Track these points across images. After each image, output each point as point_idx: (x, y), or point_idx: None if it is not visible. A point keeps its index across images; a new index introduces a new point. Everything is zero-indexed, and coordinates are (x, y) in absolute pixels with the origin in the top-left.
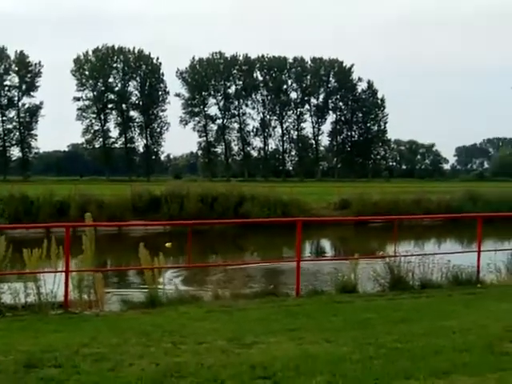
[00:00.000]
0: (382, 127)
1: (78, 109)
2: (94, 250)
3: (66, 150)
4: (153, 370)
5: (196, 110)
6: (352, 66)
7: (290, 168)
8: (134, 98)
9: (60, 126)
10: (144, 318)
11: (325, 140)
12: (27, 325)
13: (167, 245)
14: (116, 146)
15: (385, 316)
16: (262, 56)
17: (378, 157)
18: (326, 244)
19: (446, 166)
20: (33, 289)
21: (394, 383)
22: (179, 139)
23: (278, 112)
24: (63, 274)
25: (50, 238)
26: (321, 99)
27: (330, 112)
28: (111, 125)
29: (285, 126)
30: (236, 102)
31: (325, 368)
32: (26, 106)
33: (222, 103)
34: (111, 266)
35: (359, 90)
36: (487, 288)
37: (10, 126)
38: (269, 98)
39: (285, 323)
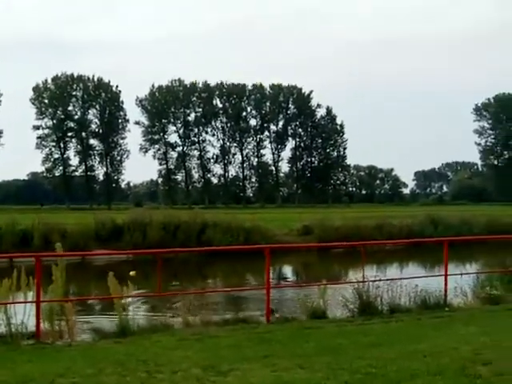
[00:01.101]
0: (342, 153)
1: (38, 137)
2: (64, 279)
3: (26, 178)
4: None
5: (156, 137)
6: (311, 92)
7: (251, 194)
8: (93, 126)
9: (19, 154)
10: (117, 347)
11: (285, 166)
12: (1, 355)
13: (131, 273)
14: (76, 174)
15: (356, 341)
16: (221, 83)
17: (338, 182)
18: (290, 270)
19: (406, 191)
20: (3, 319)
21: None
22: (139, 167)
23: (237, 139)
24: (33, 304)
25: (14, 268)
26: (280, 126)
27: (290, 138)
28: (71, 153)
29: (245, 153)
30: (196, 129)
31: None
32: None
33: (181, 130)
34: (78, 295)
35: (318, 116)
36: (455, 311)
37: None
38: (228, 124)
39: (257, 350)
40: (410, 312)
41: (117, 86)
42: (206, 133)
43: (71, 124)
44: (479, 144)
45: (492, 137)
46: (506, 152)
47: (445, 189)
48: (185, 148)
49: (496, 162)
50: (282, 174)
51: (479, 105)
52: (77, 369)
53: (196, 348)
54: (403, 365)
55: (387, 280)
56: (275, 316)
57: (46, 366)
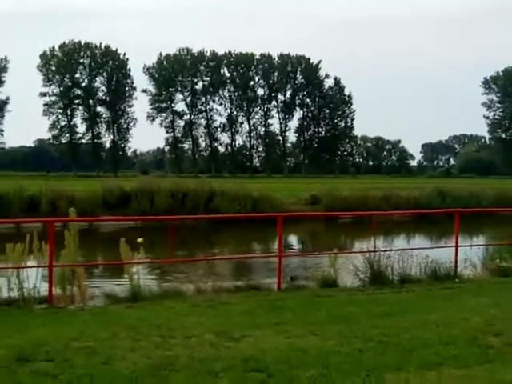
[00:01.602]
0: (349, 124)
1: (45, 104)
2: (77, 244)
3: (32, 145)
4: (145, 363)
5: (163, 105)
6: (319, 62)
7: (257, 164)
8: (100, 94)
9: (26, 121)
10: (129, 312)
11: (292, 136)
12: (14, 319)
13: (139, 240)
14: (83, 141)
15: (367, 310)
16: (229, 52)
17: (345, 153)
18: (297, 238)
19: (413, 163)
20: (16, 284)
21: (385, 375)
22: (146, 135)
23: (245, 108)
24: (45, 268)
25: (23, 234)
26: (288, 95)
27: (297, 108)
28: (78, 120)
29: (252, 122)
30: (203, 98)
31: (315, 361)
32: None
33: (189, 99)
34: (87, 260)
35: (326, 86)
36: (465, 283)
37: None
38: (236, 94)
39: (269, 317)
40: (420, 282)
41: (124, 54)
42: (214, 102)
43: (78, 91)
44: (487, 117)
45: (500, 110)
46: None
47: (452, 162)
48: (192, 117)
49: (504, 136)
50: (289, 144)
51: (488, 78)
52: (90, 332)
53: (208, 314)
54: (415, 334)
55: (398, 250)
56: (295, 283)
57: (60, 330)
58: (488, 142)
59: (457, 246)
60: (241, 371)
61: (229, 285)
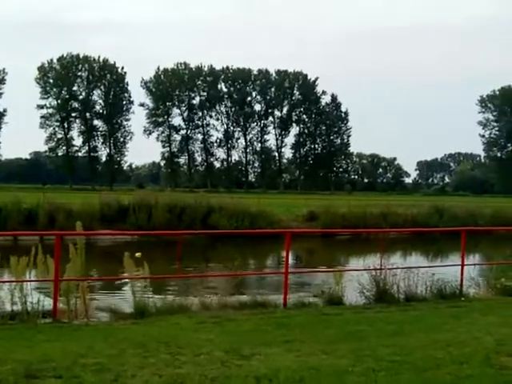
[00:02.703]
0: (345, 140)
1: (42, 117)
2: (84, 259)
3: (28, 157)
4: (157, 381)
5: (160, 119)
6: (316, 79)
7: (253, 179)
8: (98, 107)
9: (23, 133)
10: (135, 328)
11: (288, 152)
12: (19, 334)
13: (137, 255)
14: (79, 154)
15: (377, 329)
16: (227, 67)
17: (341, 170)
18: (296, 255)
19: (408, 180)
20: (19, 297)
21: None
22: (142, 149)
23: (241, 124)
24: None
25: (18, 247)
26: (285, 112)
27: (294, 124)
28: (75, 133)
29: (248, 138)
30: (200, 113)
31: (330, 380)
32: None
33: (186, 114)
34: (89, 274)
35: (323, 103)
36: (471, 301)
37: None
38: (233, 109)
39: (278, 335)
40: (426, 301)
41: (122, 68)
42: (211, 117)
43: (75, 104)
44: (483, 136)
45: (496, 129)
46: (509, 144)
47: (447, 179)
48: (188, 131)
49: (499, 154)
50: (284, 160)
51: (484, 96)
52: (98, 349)
53: (216, 331)
54: (427, 353)
55: (404, 268)
56: (324, 297)
57: (66, 346)
58: (483, 161)
59: (463, 265)
60: None
61: (233, 301)
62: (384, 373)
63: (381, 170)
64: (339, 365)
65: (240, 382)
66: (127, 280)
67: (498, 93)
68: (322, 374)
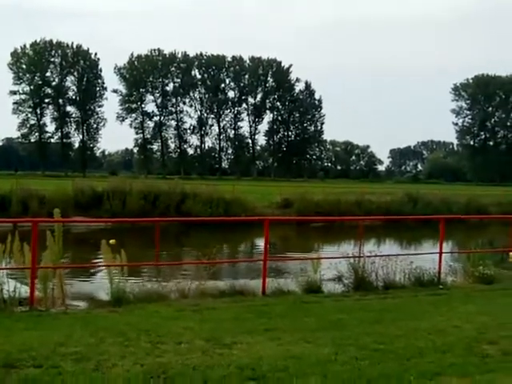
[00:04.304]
0: (319, 128)
1: (14, 103)
2: (61, 246)
3: (0, 143)
4: (138, 370)
5: (133, 106)
6: (290, 66)
7: (226, 166)
8: (71, 93)
9: None
10: (114, 316)
11: (261, 139)
12: None
13: (111, 241)
14: (52, 140)
15: (357, 317)
16: (201, 54)
17: (314, 157)
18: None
19: (381, 168)
20: None
21: None
22: (115, 135)
23: (215, 110)
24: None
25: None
26: (258, 98)
27: (268, 111)
28: (47, 119)
29: (222, 125)
30: (174, 100)
31: (314, 369)
32: None
33: (159, 100)
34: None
35: (297, 90)
36: (449, 289)
37: None
38: (206, 96)
39: (259, 323)
40: (404, 289)
41: (95, 54)
42: (184, 103)
43: (48, 90)
44: (456, 124)
45: (469, 117)
46: (482, 133)
47: (419, 167)
48: (162, 118)
49: (472, 143)
50: (258, 147)
51: (458, 85)
52: (77, 337)
53: (195, 319)
54: (409, 342)
55: (383, 256)
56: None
57: (45, 334)
58: (456, 149)
59: (441, 253)
60: (238, 380)
61: (212, 288)
62: (367, 361)
63: (354, 157)
64: (322, 353)
65: (223, 371)
66: (103, 267)
67: (471, 81)
68: (305, 363)
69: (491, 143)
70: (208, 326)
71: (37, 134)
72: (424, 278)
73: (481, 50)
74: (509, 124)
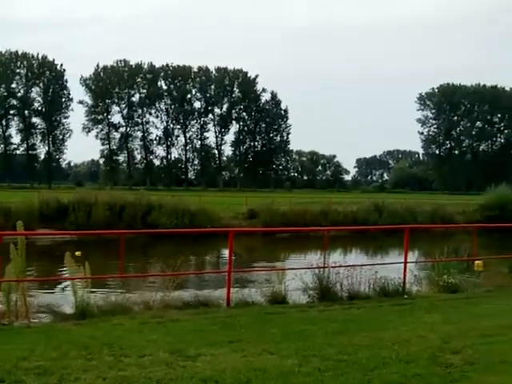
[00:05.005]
0: (285, 138)
1: None
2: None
3: None
4: None
5: (99, 117)
6: (256, 76)
7: (193, 177)
8: (36, 105)
9: None
10: (78, 329)
11: (228, 150)
12: None
13: (76, 253)
14: (17, 152)
15: (321, 328)
16: (167, 65)
17: (280, 167)
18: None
19: (347, 177)
20: None
21: None
22: (81, 147)
23: (181, 121)
24: None
25: None
26: (224, 109)
27: (234, 122)
28: (13, 131)
29: (188, 135)
30: (140, 111)
31: (277, 381)
32: None
33: (125, 111)
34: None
35: (263, 100)
36: (414, 299)
37: None
38: (173, 106)
39: (223, 335)
40: (369, 299)
41: (61, 65)
42: (150, 114)
43: (14, 101)
44: (422, 133)
45: (435, 126)
46: (447, 142)
47: (386, 177)
48: (128, 129)
49: (437, 152)
50: (224, 158)
51: (423, 94)
52: (40, 352)
53: (159, 332)
54: (373, 352)
55: (347, 266)
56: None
57: (7, 349)
58: (422, 158)
59: (406, 262)
60: None
61: (176, 300)
62: (331, 373)
63: (320, 167)
64: (285, 365)
65: (186, 383)
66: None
67: (436, 90)
68: (268, 375)
69: (456, 152)
70: (172, 338)
71: (2, 145)
72: (389, 287)
73: (445, 58)
74: (474, 133)
